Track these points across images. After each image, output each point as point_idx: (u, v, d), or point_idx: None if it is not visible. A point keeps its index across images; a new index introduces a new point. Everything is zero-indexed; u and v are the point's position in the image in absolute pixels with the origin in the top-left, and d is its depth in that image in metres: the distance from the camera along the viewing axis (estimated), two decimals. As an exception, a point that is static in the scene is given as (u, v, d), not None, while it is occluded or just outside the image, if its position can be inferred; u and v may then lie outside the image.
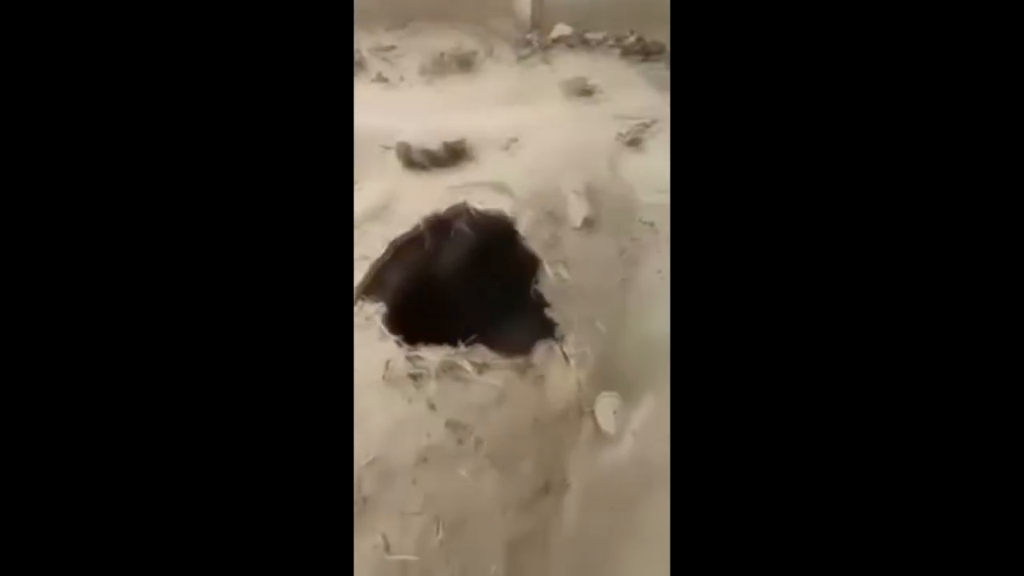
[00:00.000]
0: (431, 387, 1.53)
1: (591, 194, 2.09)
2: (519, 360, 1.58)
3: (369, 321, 1.69)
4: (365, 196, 2.09)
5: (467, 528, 1.33)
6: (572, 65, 3.12)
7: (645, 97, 2.81)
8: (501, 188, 2.09)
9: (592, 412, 1.50)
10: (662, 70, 3.03)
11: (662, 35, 3.26)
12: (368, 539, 1.29)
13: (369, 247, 1.89)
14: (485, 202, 2.02)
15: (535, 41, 3.38)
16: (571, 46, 3.35)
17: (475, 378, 1.54)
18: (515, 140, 2.45)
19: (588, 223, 1.96)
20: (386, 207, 2.08)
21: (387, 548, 1.28)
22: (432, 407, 1.49)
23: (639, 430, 1.48)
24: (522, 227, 1.92)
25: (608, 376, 1.57)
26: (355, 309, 1.71)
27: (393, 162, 2.31)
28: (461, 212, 2.01)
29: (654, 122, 2.56)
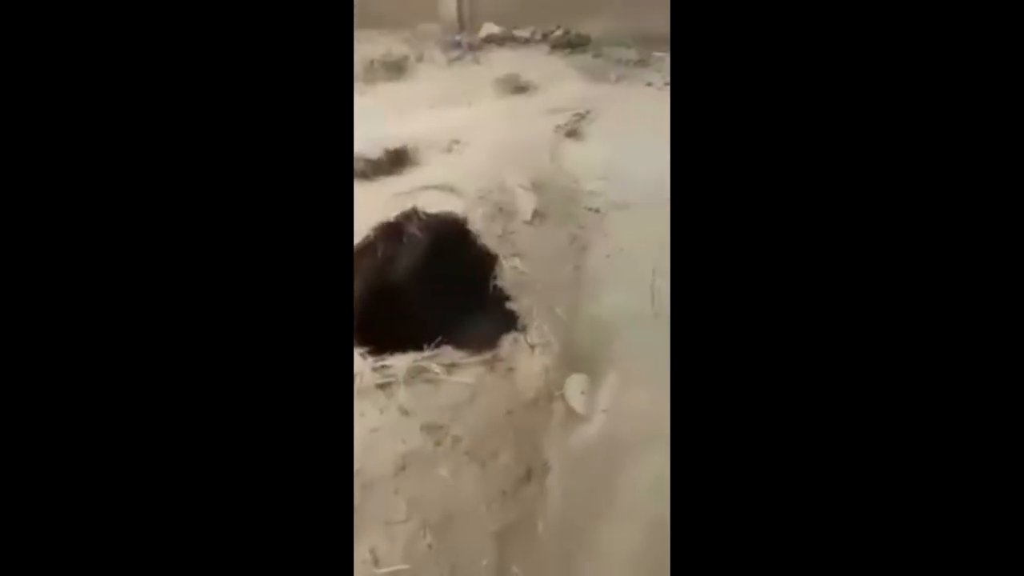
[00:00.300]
0: (401, 394, 1.51)
1: (537, 187, 2.12)
2: (487, 355, 1.59)
3: (330, 336, 1.65)
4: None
5: (454, 527, 1.33)
6: (503, 63, 3.15)
7: (577, 88, 2.88)
8: (449, 189, 2.09)
9: (562, 395, 1.53)
10: (590, 60, 3.11)
11: (586, 27, 3.34)
12: (356, 553, 1.26)
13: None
14: (434, 205, 2.02)
15: (464, 42, 3.39)
16: (500, 44, 3.37)
17: (445, 378, 1.54)
18: (457, 141, 2.45)
19: (537, 215, 1.99)
20: (333, 220, 2.03)
21: (376, 562, 1.27)
22: (405, 413, 1.48)
23: (608, 406, 1.52)
24: (474, 225, 1.93)
25: (572, 359, 1.61)
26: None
27: (335, 174, 2.25)
28: (411, 217, 2.00)
29: (588, 112, 2.62)
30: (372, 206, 2.06)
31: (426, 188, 2.11)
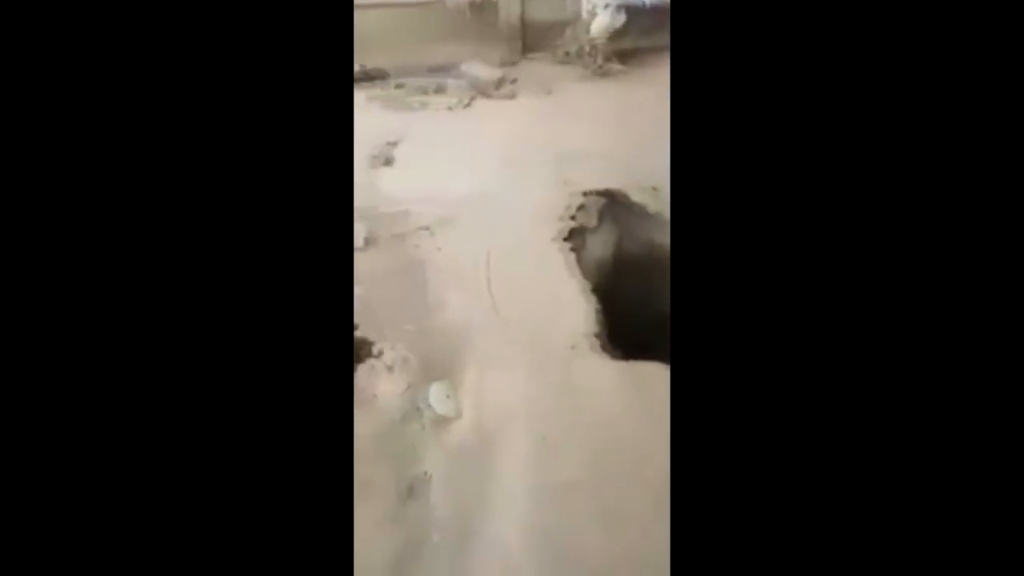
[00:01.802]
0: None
1: (362, 216, 2.06)
2: (345, 388, 1.50)
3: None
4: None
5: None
6: (304, 100, 2.98)
7: (382, 118, 2.87)
8: (268, 232, 1.91)
9: (429, 405, 1.52)
10: (392, 91, 3.12)
11: (379, 61, 3.33)
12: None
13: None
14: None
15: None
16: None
17: (305, 423, 1.41)
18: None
19: (369, 242, 1.94)
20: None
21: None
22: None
23: (472, 403, 1.56)
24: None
25: (431, 368, 1.61)
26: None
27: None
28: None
29: (398, 139, 2.63)
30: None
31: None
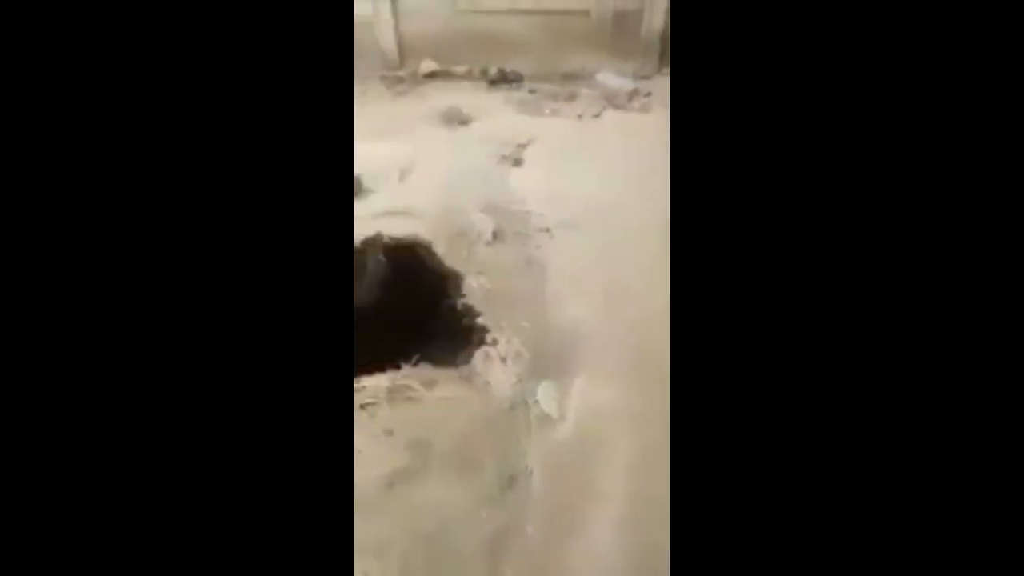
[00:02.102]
0: (384, 413, 1.46)
1: (492, 211, 2.15)
2: (463, 370, 1.58)
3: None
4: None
5: (446, 539, 1.29)
6: (444, 97, 3.17)
7: (514, 120, 2.97)
8: (408, 215, 2.06)
9: (536, 401, 1.55)
10: (525, 95, 3.22)
11: (517, 65, 3.45)
12: (352, 578, 1.18)
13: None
14: (397, 230, 1.98)
15: (407, 77, 3.37)
16: (440, 79, 3.40)
17: (426, 395, 1.50)
18: (408, 170, 2.43)
19: (497, 236, 2.02)
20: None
21: (369, 584, 1.19)
22: (389, 432, 1.43)
23: (577, 407, 1.56)
24: (438, 247, 1.91)
25: (541, 366, 1.64)
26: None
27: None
28: (375, 242, 1.95)
29: (529, 142, 2.71)
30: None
31: (386, 214, 2.07)
